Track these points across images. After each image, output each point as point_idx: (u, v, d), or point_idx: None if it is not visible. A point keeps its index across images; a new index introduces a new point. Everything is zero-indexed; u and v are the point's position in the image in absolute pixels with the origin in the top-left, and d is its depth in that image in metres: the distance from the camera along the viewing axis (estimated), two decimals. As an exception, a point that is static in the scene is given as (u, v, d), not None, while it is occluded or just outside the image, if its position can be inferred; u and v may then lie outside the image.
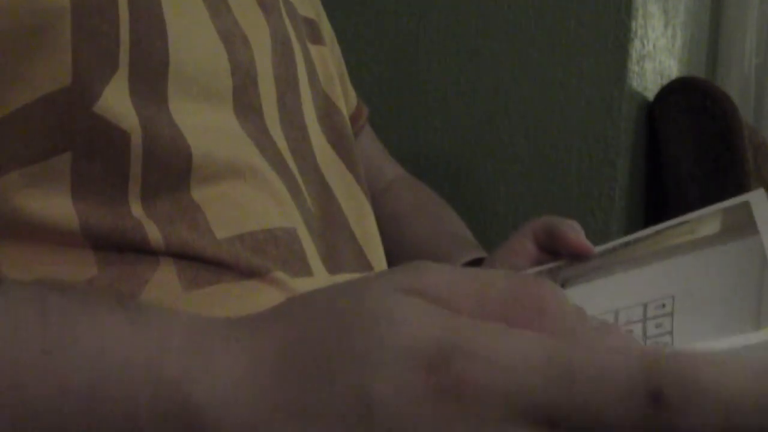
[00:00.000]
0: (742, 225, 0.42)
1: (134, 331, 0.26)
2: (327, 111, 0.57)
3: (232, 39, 0.45)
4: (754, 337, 0.33)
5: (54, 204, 0.38)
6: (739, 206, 0.45)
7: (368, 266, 0.54)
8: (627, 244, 0.51)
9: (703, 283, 0.39)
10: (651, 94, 1.16)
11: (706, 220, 0.47)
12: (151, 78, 0.40)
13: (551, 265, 0.55)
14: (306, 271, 0.46)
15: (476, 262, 0.64)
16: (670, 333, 0.37)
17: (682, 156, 1.16)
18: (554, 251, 0.57)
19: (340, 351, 0.23)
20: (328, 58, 0.60)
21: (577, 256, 0.53)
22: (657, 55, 1.17)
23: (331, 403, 0.23)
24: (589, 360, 0.21)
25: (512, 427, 0.21)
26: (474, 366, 0.21)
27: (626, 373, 0.20)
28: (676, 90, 1.16)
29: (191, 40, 0.42)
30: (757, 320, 0.35)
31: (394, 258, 0.63)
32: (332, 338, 0.24)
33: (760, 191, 0.46)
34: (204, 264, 0.40)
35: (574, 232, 0.55)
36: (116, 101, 0.38)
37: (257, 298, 0.41)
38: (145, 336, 0.26)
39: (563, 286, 0.48)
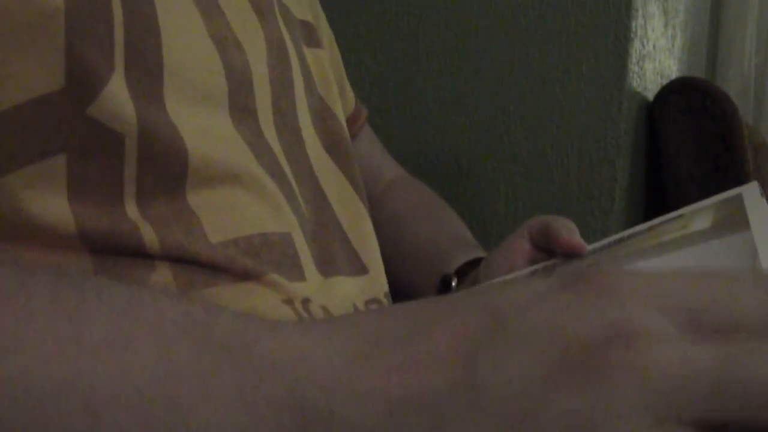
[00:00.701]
0: (734, 219, 0.42)
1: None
2: (322, 115, 0.57)
3: (225, 43, 0.45)
4: None
5: (51, 206, 0.38)
6: (732, 199, 0.45)
7: (363, 269, 0.54)
8: (621, 241, 0.50)
9: None
10: (651, 94, 1.15)
11: (700, 214, 0.46)
12: (148, 79, 0.40)
13: (546, 263, 0.55)
14: (300, 275, 0.46)
15: (476, 262, 0.64)
16: None
17: (682, 156, 1.16)
18: (549, 250, 0.57)
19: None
20: (324, 60, 0.60)
21: (571, 255, 0.53)
22: (657, 55, 1.17)
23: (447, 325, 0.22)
24: (724, 272, 0.22)
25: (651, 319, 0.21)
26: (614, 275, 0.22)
27: (761, 276, 0.21)
28: (676, 90, 1.15)
29: (185, 43, 0.42)
30: None
31: (392, 258, 0.63)
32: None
33: (754, 185, 0.45)
34: (200, 267, 0.40)
35: (567, 230, 0.55)
36: (112, 103, 0.38)
37: (253, 300, 0.41)
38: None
39: None
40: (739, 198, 0.44)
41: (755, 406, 0.20)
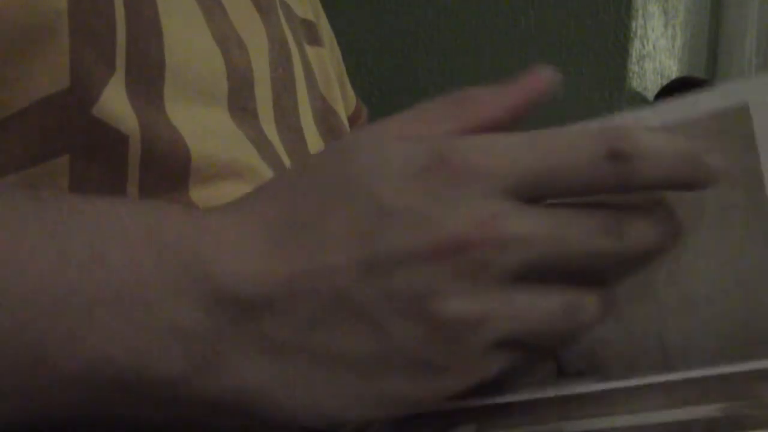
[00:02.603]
0: (737, 137, 0.32)
1: (129, 207, 0.30)
2: (324, 113, 0.57)
3: (228, 43, 0.45)
4: None
5: None
6: (735, 113, 0.33)
7: None
8: None
9: None
10: (651, 94, 1.16)
11: (687, 130, 0.34)
12: (148, 80, 0.40)
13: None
14: None
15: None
16: None
17: (682, 156, 1.16)
18: None
19: (345, 173, 0.28)
20: (326, 59, 0.60)
21: None
22: (657, 55, 1.17)
23: (341, 212, 0.27)
24: (561, 136, 0.30)
25: (494, 199, 0.27)
26: (464, 153, 0.28)
27: (590, 140, 0.28)
28: (676, 90, 1.15)
29: (186, 42, 0.42)
30: None
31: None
32: (337, 165, 0.29)
33: (764, 82, 0.33)
34: None
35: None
36: (114, 103, 0.38)
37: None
38: (140, 209, 0.30)
39: None
40: (744, 113, 0.33)
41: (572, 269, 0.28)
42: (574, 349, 0.38)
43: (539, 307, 0.27)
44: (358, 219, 0.27)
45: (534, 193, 0.28)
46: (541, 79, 0.35)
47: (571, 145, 0.29)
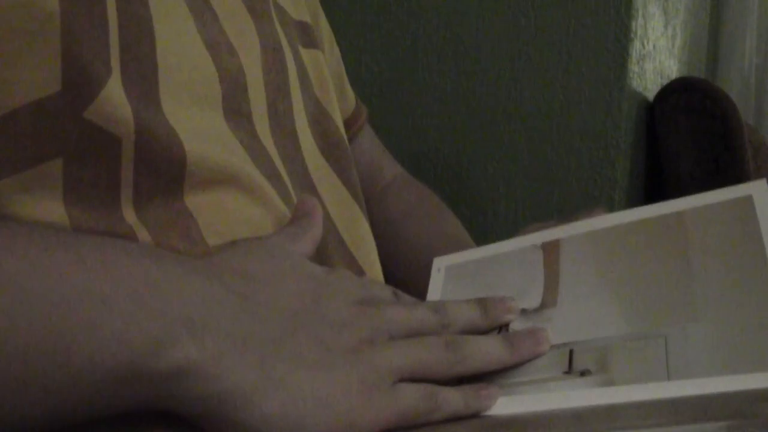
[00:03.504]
0: (742, 224, 0.41)
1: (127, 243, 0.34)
2: (318, 117, 0.57)
3: (218, 48, 0.45)
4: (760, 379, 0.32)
5: (46, 210, 0.38)
6: (741, 202, 0.42)
7: (359, 271, 0.54)
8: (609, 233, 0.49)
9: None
10: (651, 94, 1.15)
11: (702, 216, 0.44)
12: (144, 82, 0.40)
13: (540, 241, 0.52)
14: None
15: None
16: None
17: (682, 156, 1.16)
18: None
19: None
20: (322, 61, 0.60)
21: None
22: (657, 55, 1.17)
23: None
24: (450, 306, 0.42)
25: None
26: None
27: (467, 303, 0.43)
28: (676, 90, 1.16)
29: (178, 47, 0.42)
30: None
31: (391, 258, 0.63)
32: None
33: (762, 183, 0.43)
34: None
35: None
36: (109, 106, 0.38)
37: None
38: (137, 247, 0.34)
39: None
40: (748, 201, 0.41)
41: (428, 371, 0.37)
42: (582, 349, 0.39)
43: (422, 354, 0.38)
44: (301, 297, 0.37)
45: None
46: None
47: (457, 307, 0.42)
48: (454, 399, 0.36)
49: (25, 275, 0.28)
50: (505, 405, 0.37)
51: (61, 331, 0.28)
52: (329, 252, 0.51)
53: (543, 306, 0.44)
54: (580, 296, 0.44)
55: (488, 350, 0.39)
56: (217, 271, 0.35)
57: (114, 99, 0.38)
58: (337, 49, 0.70)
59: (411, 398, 0.35)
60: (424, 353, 0.37)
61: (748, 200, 0.41)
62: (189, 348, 0.30)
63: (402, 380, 0.36)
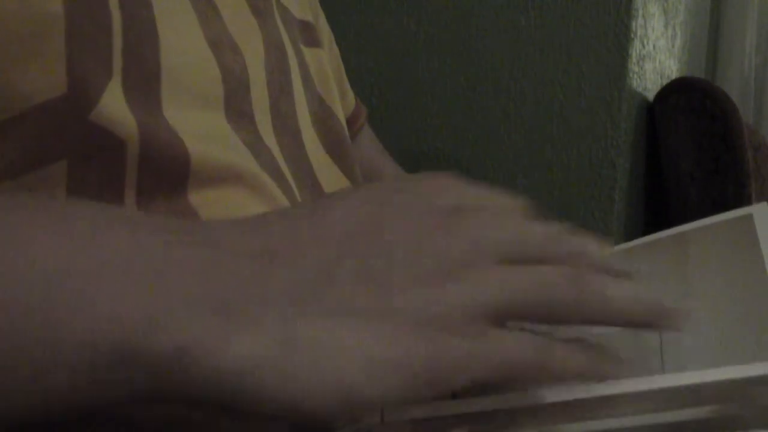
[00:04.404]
0: (743, 242, 0.41)
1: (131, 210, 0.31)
2: (322, 115, 0.57)
3: (221, 47, 0.45)
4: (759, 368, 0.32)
5: None
6: (741, 220, 0.44)
7: None
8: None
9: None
10: (651, 94, 1.15)
11: (704, 235, 0.45)
12: (146, 84, 0.40)
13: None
14: None
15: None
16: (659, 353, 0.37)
17: (682, 156, 1.16)
18: None
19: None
20: (324, 60, 0.60)
21: None
22: (657, 55, 1.17)
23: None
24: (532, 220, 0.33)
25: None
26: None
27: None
28: (676, 90, 1.15)
29: (182, 47, 0.42)
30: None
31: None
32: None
33: (764, 206, 0.44)
34: None
35: None
36: (112, 109, 0.38)
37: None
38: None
39: None
40: (749, 219, 0.42)
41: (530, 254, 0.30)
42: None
43: (530, 278, 0.29)
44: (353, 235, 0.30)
45: (508, 257, 0.30)
46: None
47: (530, 223, 0.33)
48: (575, 357, 0.29)
49: (1, 246, 0.26)
50: (497, 397, 0.37)
51: (45, 309, 0.26)
52: None
53: None
54: None
55: (627, 296, 0.30)
56: (222, 238, 0.30)
57: (115, 102, 0.38)
58: (336, 49, 0.70)
59: (512, 348, 0.27)
60: (534, 286, 0.29)
61: (749, 218, 0.42)
62: (189, 325, 0.26)
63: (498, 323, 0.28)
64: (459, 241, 0.29)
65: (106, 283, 0.26)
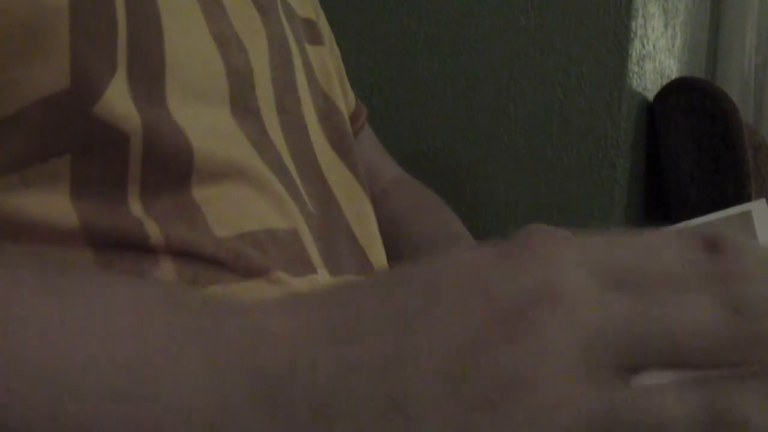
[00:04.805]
0: (740, 233, 0.41)
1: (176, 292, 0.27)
2: (327, 112, 0.57)
3: (227, 43, 0.45)
4: None
5: (54, 204, 0.38)
6: (740, 216, 0.44)
7: (369, 267, 0.54)
8: None
9: None
10: (651, 94, 1.15)
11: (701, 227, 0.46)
12: (150, 79, 0.40)
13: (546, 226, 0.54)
14: (308, 270, 0.46)
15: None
16: None
17: (682, 156, 1.16)
18: None
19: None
20: (327, 58, 0.60)
21: None
22: (657, 55, 1.17)
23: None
24: (652, 233, 0.24)
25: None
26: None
27: (683, 232, 0.24)
28: (676, 90, 1.16)
29: (186, 42, 0.42)
30: None
31: (391, 258, 0.63)
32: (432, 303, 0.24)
33: (762, 202, 0.44)
34: (204, 263, 0.40)
35: None
36: (116, 103, 0.38)
37: (258, 298, 0.41)
38: (188, 299, 0.27)
39: None
40: (747, 215, 0.43)
41: (669, 353, 0.22)
42: None
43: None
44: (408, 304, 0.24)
45: (615, 281, 0.23)
46: None
47: (663, 238, 0.24)
48: (747, 401, 0.22)
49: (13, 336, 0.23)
50: None
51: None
52: (340, 247, 0.51)
53: None
54: None
55: None
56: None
57: (119, 97, 0.38)
58: (336, 49, 0.70)
59: (671, 412, 0.21)
60: (682, 314, 0.22)
61: (747, 215, 0.42)
62: None
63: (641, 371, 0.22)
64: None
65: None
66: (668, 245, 0.23)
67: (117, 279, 0.27)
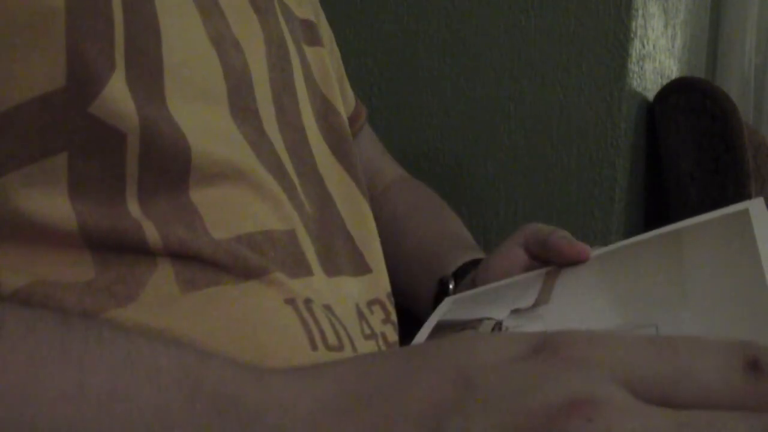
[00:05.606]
0: (739, 235, 0.41)
1: (168, 346, 0.27)
2: (325, 113, 0.57)
3: (224, 43, 0.45)
4: None
5: (52, 204, 0.38)
6: (738, 215, 0.44)
7: (366, 269, 0.54)
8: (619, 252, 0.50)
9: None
10: (651, 94, 1.15)
11: (702, 230, 0.45)
12: (148, 78, 0.40)
13: (548, 269, 0.54)
14: (305, 272, 0.46)
15: (474, 264, 0.64)
16: None
17: (682, 156, 1.16)
18: (546, 260, 0.55)
19: (439, 351, 0.25)
20: (326, 59, 0.60)
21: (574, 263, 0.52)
22: (657, 55, 1.17)
23: (423, 383, 0.24)
24: (691, 339, 0.24)
25: (602, 385, 0.22)
26: (577, 342, 0.24)
27: (724, 345, 0.23)
28: (676, 90, 1.15)
29: (184, 42, 0.42)
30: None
31: (391, 259, 0.63)
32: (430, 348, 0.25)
33: (760, 201, 0.44)
34: (201, 265, 0.40)
35: (567, 243, 0.53)
36: (114, 101, 0.38)
37: (256, 300, 0.41)
38: (181, 351, 0.27)
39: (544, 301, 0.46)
40: (745, 214, 0.42)
41: None
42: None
43: None
44: (440, 390, 0.24)
45: (652, 394, 0.23)
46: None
47: (706, 347, 0.24)
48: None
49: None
50: None
51: None
52: (337, 249, 0.51)
53: (536, 304, 0.44)
54: (574, 293, 0.44)
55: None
56: None
57: (117, 95, 0.38)
58: (336, 50, 0.70)
59: None
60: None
61: (745, 213, 0.42)
62: None
63: None
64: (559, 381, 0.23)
65: None
66: (708, 358, 0.23)
67: (134, 345, 0.27)
